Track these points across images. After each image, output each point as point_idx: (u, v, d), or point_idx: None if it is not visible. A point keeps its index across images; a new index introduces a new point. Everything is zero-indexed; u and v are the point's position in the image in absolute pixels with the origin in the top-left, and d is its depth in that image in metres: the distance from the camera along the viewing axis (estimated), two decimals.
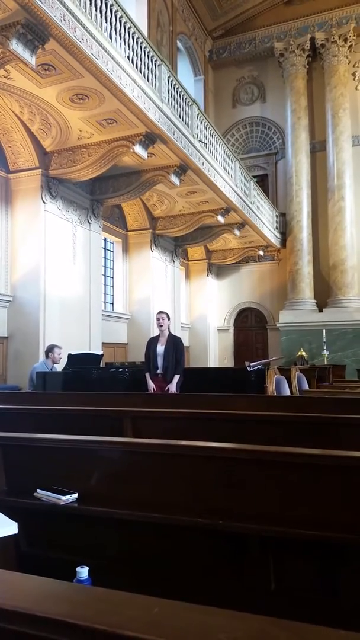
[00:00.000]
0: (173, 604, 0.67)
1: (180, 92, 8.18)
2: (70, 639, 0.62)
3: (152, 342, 5.66)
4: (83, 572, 1.31)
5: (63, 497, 1.83)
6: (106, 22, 6.05)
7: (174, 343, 5.53)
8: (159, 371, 5.47)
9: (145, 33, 9.88)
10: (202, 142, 9.01)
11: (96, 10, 5.84)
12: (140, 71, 6.83)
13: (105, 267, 10.93)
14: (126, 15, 6.48)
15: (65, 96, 6.69)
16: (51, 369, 6.26)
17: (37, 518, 1.91)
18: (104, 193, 9.24)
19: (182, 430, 2.79)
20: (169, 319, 5.69)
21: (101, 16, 5.95)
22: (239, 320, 15.68)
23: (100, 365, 7.64)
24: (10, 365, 7.90)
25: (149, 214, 11.52)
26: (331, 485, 1.59)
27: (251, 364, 6.06)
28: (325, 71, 14.17)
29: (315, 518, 1.55)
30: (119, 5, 6.28)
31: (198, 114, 8.92)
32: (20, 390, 6.78)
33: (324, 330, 12.63)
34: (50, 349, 6.31)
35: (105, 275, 10.93)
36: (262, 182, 14.85)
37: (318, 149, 14.43)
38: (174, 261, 12.75)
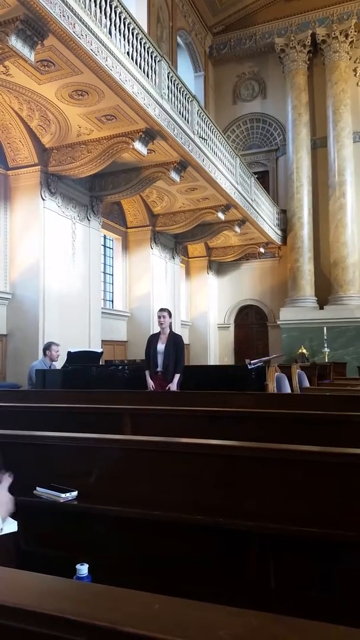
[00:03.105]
0: (173, 601, 0.67)
1: (180, 88, 8.15)
2: (71, 635, 0.63)
3: (153, 339, 5.64)
4: (83, 569, 1.32)
5: (63, 495, 1.83)
6: (106, 18, 6.02)
7: (175, 341, 5.51)
8: (159, 369, 5.46)
9: (145, 29, 9.84)
10: (202, 138, 8.98)
11: (95, 6, 5.81)
12: (140, 67, 6.80)
13: (104, 264, 10.91)
14: (126, 11, 6.45)
15: (64, 92, 6.67)
16: (50, 367, 6.27)
17: (36, 516, 1.91)
18: (104, 190, 9.22)
19: (181, 427, 2.79)
20: (170, 317, 5.67)
21: (101, 12, 5.92)
22: (239, 317, 15.68)
23: (100, 363, 7.64)
24: (9, 363, 7.91)
25: (148, 210, 11.50)
26: (331, 482, 1.59)
27: (251, 362, 6.06)
28: (326, 67, 14.12)
29: (315, 515, 1.55)
30: (118, 1, 6.25)
31: (198, 110, 8.89)
32: (19, 388, 6.79)
33: (325, 328, 12.63)
34: (47, 347, 6.31)
35: (104, 273, 10.91)
36: (263, 178, 14.82)
37: (319, 145, 14.38)
38: (174, 258, 12.73)
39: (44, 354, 6.34)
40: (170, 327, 5.67)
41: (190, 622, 0.62)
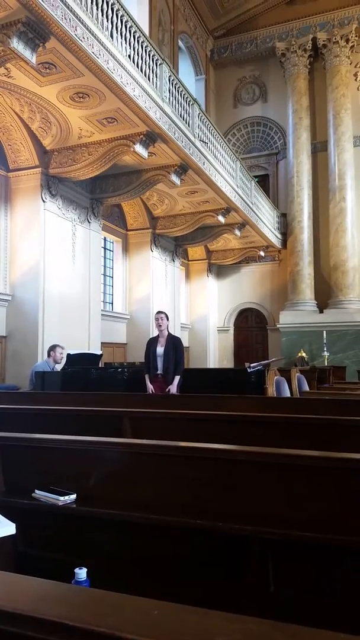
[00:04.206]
0: (172, 606, 0.67)
1: (181, 91, 8.17)
2: None
3: (152, 342, 5.63)
4: (81, 573, 1.31)
5: (61, 498, 1.83)
6: (107, 20, 6.04)
7: (174, 344, 5.50)
8: (159, 372, 5.45)
9: (147, 32, 9.87)
10: (203, 141, 9.00)
11: (97, 8, 5.83)
12: (141, 70, 6.82)
13: (104, 266, 10.92)
14: (127, 14, 6.47)
15: (65, 95, 6.69)
16: (52, 369, 6.27)
17: (35, 519, 1.90)
18: (104, 192, 9.23)
19: (181, 431, 2.79)
20: (168, 319, 5.66)
21: (102, 15, 5.94)
22: (239, 320, 15.67)
23: (99, 365, 7.63)
24: (8, 365, 7.90)
25: (149, 213, 11.51)
26: (331, 487, 1.58)
27: (251, 365, 6.05)
28: (327, 71, 14.17)
29: (314, 520, 1.55)
30: (120, 4, 6.27)
31: (199, 114, 8.91)
32: (18, 390, 6.78)
33: (325, 332, 12.63)
34: (52, 348, 6.34)
35: (104, 275, 10.92)
36: (263, 182, 14.85)
37: (319, 149, 14.42)
38: (174, 261, 12.74)
39: (48, 354, 6.37)
40: (168, 329, 5.67)
41: (189, 628, 0.62)
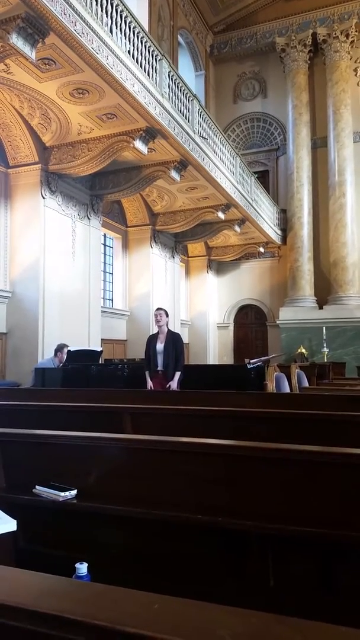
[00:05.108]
0: (173, 600, 0.67)
1: (181, 87, 8.14)
2: (71, 634, 0.62)
3: (152, 339, 5.64)
4: (82, 568, 1.32)
5: (62, 494, 1.83)
6: (107, 16, 6.01)
7: (173, 340, 5.51)
8: (159, 368, 5.46)
9: (146, 27, 9.82)
10: (202, 137, 8.97)
11: (97, 4, 5.81)
12: (141, 66, 6.79)
13: (104, 263, 10.91)
14: (127, 9, 6.43)
15: (65, 91, 6.66)
16: (57, 367, 6.32)
17: (36, 514, 1.91)
18: (104, 188, 9.21)
19: (181, 427, 2.79)
20: (167, 316, 5.67)
21: (102, 10, 5.91)
22: (238, 317, 15.68)
23: (100, 362, 7.64)
24: (9, 362, 7.90)
25: (149, 209, 11.49)
26: (331, 482, 1.59)
27: (251, 361, 6.06)
28: (326, 67, 14.11)
29: (314, 515, 1.55)
30: (119, 0, 6.24)
31: (199, 109, 8.88)
32: (19, 387, 6.79)
33: (324, 328, 12.63)
34: (59, 348, 6.38)
35: (104, 272, 10.91)
36: (263, 178, 14.81)
37: (319, 145, 14.38)
38: (173, 257, 12.73)
39: (55, 354, 6.40)
40: (167, 326, 5.68)
41: (190, 622, 0.62)
